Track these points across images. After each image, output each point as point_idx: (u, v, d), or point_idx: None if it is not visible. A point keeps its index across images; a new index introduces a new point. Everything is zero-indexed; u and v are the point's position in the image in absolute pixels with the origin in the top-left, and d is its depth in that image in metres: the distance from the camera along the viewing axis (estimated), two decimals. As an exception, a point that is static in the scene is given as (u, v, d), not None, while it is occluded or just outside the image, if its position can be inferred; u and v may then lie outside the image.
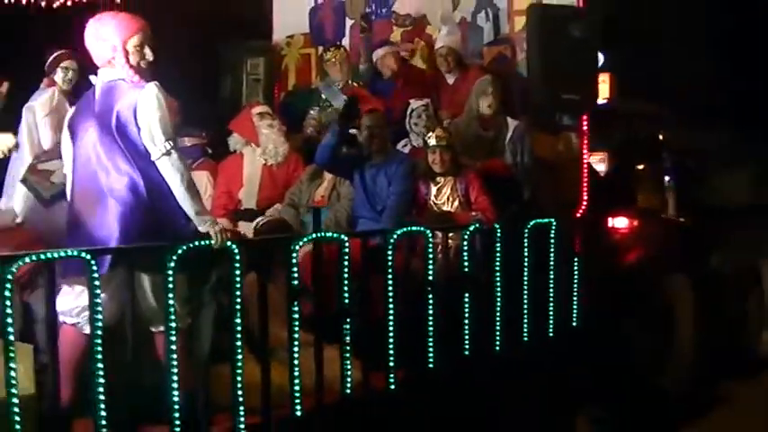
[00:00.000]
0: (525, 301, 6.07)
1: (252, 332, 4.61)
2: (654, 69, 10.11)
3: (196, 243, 4.27)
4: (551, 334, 6.32)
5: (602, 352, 6.61)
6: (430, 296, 5.40)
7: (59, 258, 3.91)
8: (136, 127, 4.23)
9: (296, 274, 4.67)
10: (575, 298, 6.48)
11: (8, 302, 3.68)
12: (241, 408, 4.41)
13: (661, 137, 8.20)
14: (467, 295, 5.63)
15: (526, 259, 6.05)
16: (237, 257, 4.38)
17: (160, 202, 4.27)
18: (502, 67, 7.30)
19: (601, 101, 7.11)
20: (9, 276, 3.69)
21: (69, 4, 6.62)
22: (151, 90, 4.23)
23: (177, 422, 4.19)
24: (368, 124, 6.18)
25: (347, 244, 4.96)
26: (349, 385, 4.97)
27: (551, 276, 6.27)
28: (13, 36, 7.34)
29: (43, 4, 6.53)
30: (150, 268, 4.26)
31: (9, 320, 3.69)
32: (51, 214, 5.43)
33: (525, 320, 6.10)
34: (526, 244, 6.05)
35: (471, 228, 5.73)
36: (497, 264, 5.86)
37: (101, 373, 3.97)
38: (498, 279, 5.87)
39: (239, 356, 4.42)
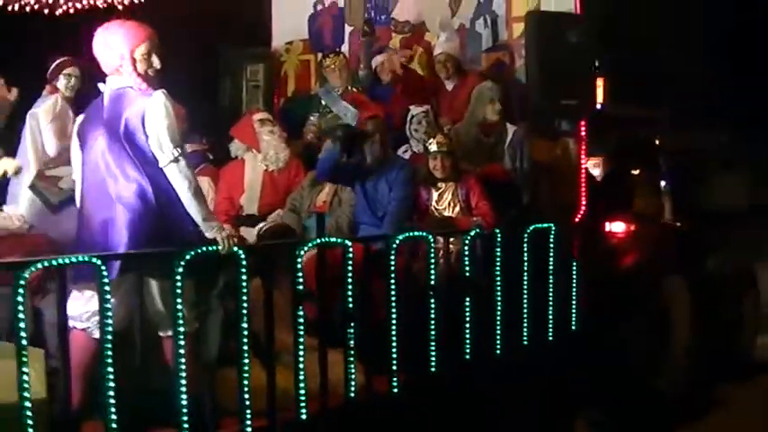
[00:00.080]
0: (525, 306, 6.13)
1: (257, 337, 4.67)
2: (650, 72, 10.15)
3: (203, 249, 4.32)
4: (551, 338, 6.38)
5: (600, 355, 6.66)
6: (432, 301, 5.46)
7: (71, 264, 3.96)
8: (144, 134, 4.29)
9: (301, 279, 4.72)
10: (573, 302, 6.53)
11: (21, 307, 3.74)
12: (248, 411, 4.47)
13: (657, 140, 8.25)
14: (468, 300, 5.69)
15: (526, 264, 6.10)
16: (244, 263, 4.44)
17: (168, 208, 4.33)
18: (500, 73, 7.35)
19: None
20: (22, 282, 3.74)
21: (72, 11, 6.64)
22: (159, 98, 4.30)
23: (185, 425, 4.24)
24: (369, 130, 6.22)
25: (351, 249, 5.01)
26: (353, 389, 5.03)
27: (551, 281, 6.33)
28: (12, 41, 7.37)
29: (46, 11, 6.54)
30: (158, 273, 4.32)
31: (22, 325, 3.74)
32: (59, 219, 5.49)
33: (525, 324, 6.15)
34: (526, 249, 6.10)
35: (472, 233, 5.79)
36: (497, 268, 5.92)
37: (111, 377, 4.03)
38: (499, 283, 5.92)
39: (246, 361, 4.48)
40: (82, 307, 4.33)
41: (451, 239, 5.80)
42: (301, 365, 4.71)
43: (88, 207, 4.41)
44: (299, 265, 4.73)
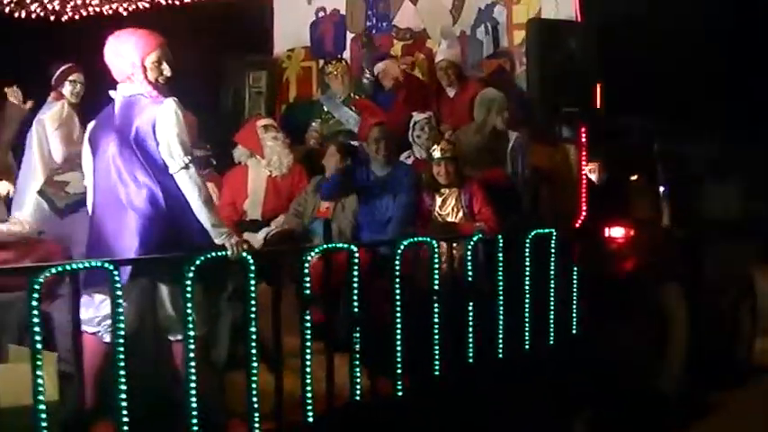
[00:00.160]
0: (527, 310, 6.19)
1: (263, 341, 4.73)
2: (649, 78, 10.23)
3: (213, 254, 4.38)
4: (552, 342, 6.44)
5: (599, 359, 6.72)
6: (435, 305, 5.52)
7: (84, 269, 4.02)
8: (155, 141, 4.35)
9: (308, 284, 4.78)
10: (574, 307, 6.60)
11: (36, 312, 3.80)
12: (256, 414, 4.53)
13: (655, 147, 8.31)
14: (470, 304, 5.75)
15: (527, 269, 6.17)
16: (252, 268, 4.50)
17: (178, 213, 4.39)
18: (501, 79, 7.42)
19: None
20: (37, 287, 3.80)
21: (77, 18, 6.71)
22: (170, 106, 4.36)
23: (195, 428, 4.30)
24: (375, 137, 6.30)
25: (357, 254, 5.08)
26: (358, 391, 5.10)
27: (551, 285, 6.39)
28: (10, 44, 7.43)
29: (52, 18, 6.61)
30: (167, 278, 4.38)
31: (37, 329, 3.80)
32: (65, 224, 5.54)
33: (527, 328, 6.22)
34: (527, 254, 6.17)
35: (475, 238, 5.85)
36: (500, 273, 5.98)
37: (123, 380, 4.09)
38: (501, 288, 5.99)
39: (254, 365, 4.54)
40: (93, 311, 4.39)
41: (454, 244, 5.87)
42: (308, 369, 4.77)
43: (99, 213, 4.46)
44: (306, 270, 4.78)
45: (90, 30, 6.89)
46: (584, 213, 6.72)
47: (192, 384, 4.29)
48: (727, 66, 11.52)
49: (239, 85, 8.24)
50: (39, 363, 3.80)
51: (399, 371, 5.31)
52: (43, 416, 3.80)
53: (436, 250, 5.54)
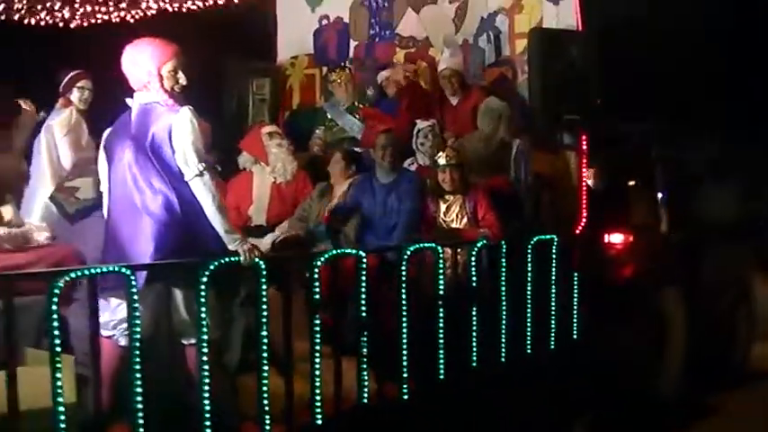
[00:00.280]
0: (529, 315, 6.28)
1: (274, 345, 4.81)
2: (649, 78, 10.30)
3: (227, 260, 4.47)
4: (553, 346, 6.53)
5: (599, 363, 6.80)
6: (440, 310, 5.61)
7: (101, 273, 4.11)
8: (170, 149, 4.44)
9: (317, 289, 4.87)
10: (575, 312, 6.69)
11: (55, 315, 3.88)
12: (267, 416, 4.62)
13: (653, 151, 8.38)
14: (474, 309, 5.84)
15: (529, 274, 6.26)
16: (264, 274, 4.59)
17: (193, 219, 4.47)
18: (503, 87, 7.51)
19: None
20: (56, 291, 3.88)
21: (86, 25, 6.79)
22: (186, 114, 4.45)
23: (208, 430, 4.38)
24: (383, 144, 6.36)
25: (364, 260, 5.16)
26: (365, 395, 5.18)
27: (553, 291, 6.48)
28: (15, 48, 7.49)
29: (61, 25, 6.69)
30: (182, 283, 4.46)
31: (56, 333, 3.88)
32: (75, 229, 5.62)
33: (528, 333, 6.31)
34: (530, 259, 6.26)
35: (479, 244, 5.94)
36: (503, 279, 6.06)
37: (139, 383, 4.17)
38: (504, 293, 6.07)
39: (265, 368, 4.62)
40: (108, 315, 4.47)
41: (459, 250, 5.95)
42: (318, 372, 4.86)
43: (115, 218, 4.54)
44: (315, 275, 4.87)
45: (98, 37, 6.99)
46: (584, 220, 6.80)
47: (206, 387, 4.37)
48: (727, 66, 11.57)
49: (243, 92, 8.30)
50: (58, 366, 3.88)
51: (405, 374, 5.40)
52: (62, 418, 3.88)
53: (441, 256, 5.62)
